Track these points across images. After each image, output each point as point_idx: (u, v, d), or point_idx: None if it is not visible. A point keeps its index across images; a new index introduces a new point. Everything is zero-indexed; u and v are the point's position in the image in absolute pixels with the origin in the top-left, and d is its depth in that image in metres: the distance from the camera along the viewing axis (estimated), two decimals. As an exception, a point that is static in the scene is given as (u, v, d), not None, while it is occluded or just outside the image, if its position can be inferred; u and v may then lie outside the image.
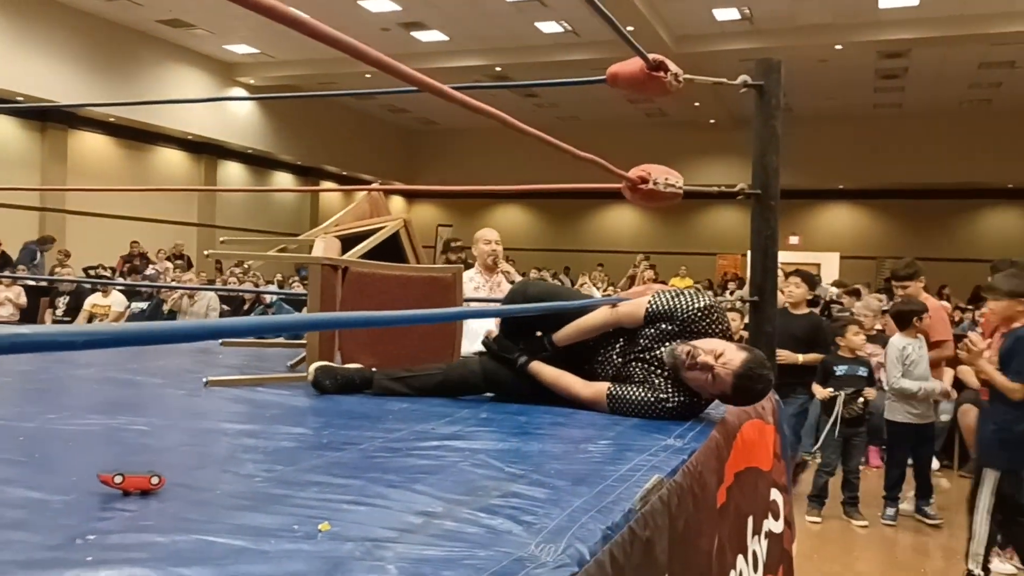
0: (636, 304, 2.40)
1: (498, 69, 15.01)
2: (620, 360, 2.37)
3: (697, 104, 17.27)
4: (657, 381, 2.28)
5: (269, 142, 18.02)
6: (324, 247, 2.86)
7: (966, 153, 17.45)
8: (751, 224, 3.12)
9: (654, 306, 2.37)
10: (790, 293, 5.75)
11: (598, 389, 2.33)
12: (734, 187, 3.11)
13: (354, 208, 3.28)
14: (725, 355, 2.18)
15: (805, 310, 5.87)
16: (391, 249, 2.92)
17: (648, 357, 2.33)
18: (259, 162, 18.90)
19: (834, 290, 10.30)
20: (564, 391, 2.37)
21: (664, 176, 2.80)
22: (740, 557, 2.20)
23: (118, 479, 1.32)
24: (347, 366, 2.51)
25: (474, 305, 3.94)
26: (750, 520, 2.35)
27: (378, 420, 2.10)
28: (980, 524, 3.99)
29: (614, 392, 2.30)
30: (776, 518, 2.76)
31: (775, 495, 2.76)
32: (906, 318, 5.34)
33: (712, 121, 18.53)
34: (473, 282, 4.64)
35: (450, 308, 2.31)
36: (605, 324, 2.41)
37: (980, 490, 4.03)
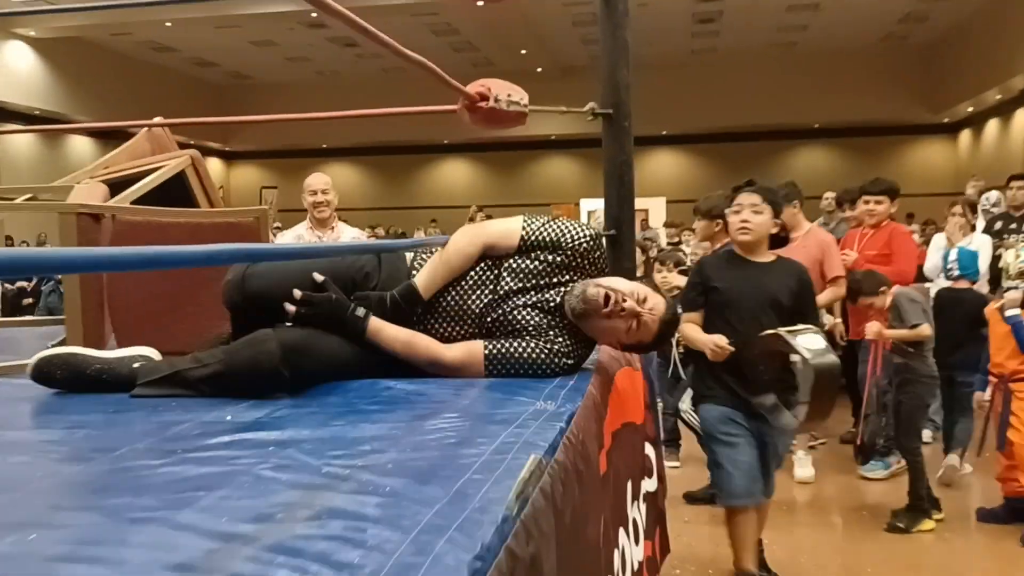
0: (506, 227, 1.94)
1: (315, 15, 14.03)
2: (486, 308, 1.87)
3: (524, 52, 16.97)
4: (552, 332, 1.85)
5: (60, 102, 16.11)
6: (85, 193, 2.25)
7: (777, 95, 18.17)
8: (603, 149, 2.76)
9: (532, 232, 1.91)
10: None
11: (469, 349, 1.83)
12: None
13: (129, 146, 2.66)
14: (649, 300, 1.85)
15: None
16: (176, 193, 2.34)
17: (535, 301, 1.87)
18: (47, 130, 16.92)
19: (663, 234, 10.36)
20: (419, 357, 1.82)
21: (506, 92, 2.38)
22: (621, 531, 1.87)
23: None
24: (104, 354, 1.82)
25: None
26: (629, 485, 2.02)
27: (155, 410, 1.58)
28: None
29: (494, 351, 1.82)
30: (651, 476, 2.46)
31: (648, 450, 2.46)
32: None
33: (539, 70, 18.31)
34: (302, 240, 4.02)
35: (251, 245, 1.75)
36: (478, 249, 1.89)
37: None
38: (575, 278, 1.92)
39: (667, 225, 11.53)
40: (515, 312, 1.87)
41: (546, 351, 1.83)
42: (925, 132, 19.12)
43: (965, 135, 18.50)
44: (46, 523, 0.93)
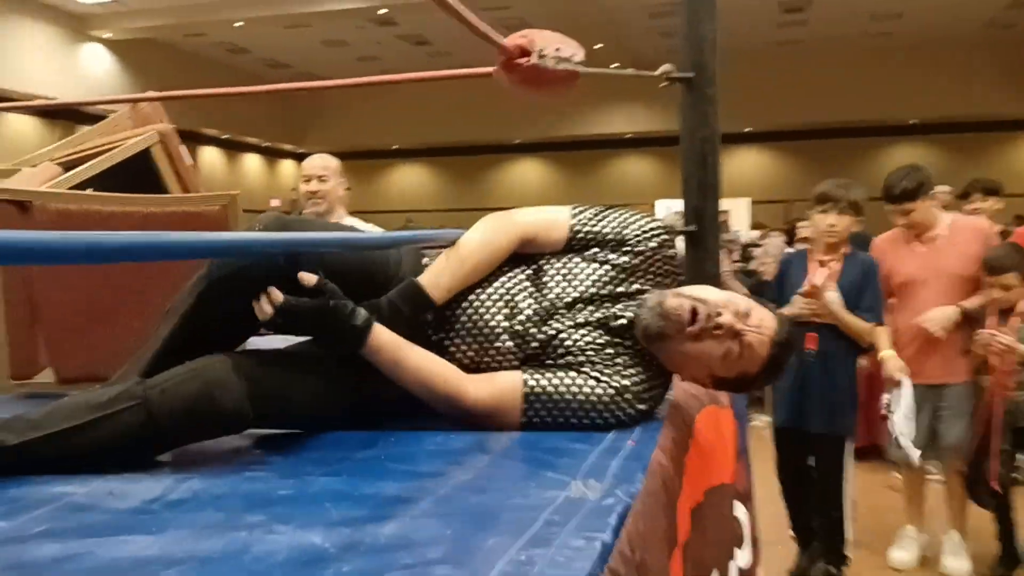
0: (550, 216, 1.46)
1: (382, 11, 13.74)
2: (527, 326, 1.35)
3: (598, 47, 16.39)
4: (619, 362, 1.33)
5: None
6: (27, 178, 1.81)
7: (870, 89, 17.14)
8: (681, 122, 2.20)
9: (585, 223, 1.45)
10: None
11: (502, 387, 1.30)
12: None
13: (107, 122, 2.23)
14: (754, 313, 1.31)
15: None
16: (140, 175, 1.88)
17: (596, 319, 1.36)
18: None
19: (755, 233, 9.67)
20: (432, 391, 1.28)
21: (554, 45, 1.84)
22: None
23: None
24: None
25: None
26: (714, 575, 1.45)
27: (24, 474, 1.10)
28: (850, 506, 3.07)
29: (537, 387, 1.30)
30: (741, 545, 1.88)
31: (739, 511, 1.89)
32: None
33: (615, 65, 17.70)
34: None
35: (215, 234, 1.23)
36: (511, 242, 1.41)
37: (845, 465, 3.03)
38: (645, 287, 1.41)
39: (755, 227, 10.78)
40: (568, 333, 1.33)
41: (611, 392, 1.30)
42: (1033, 127, 17.77)
43: (1079, 130, 17.12)
44: None
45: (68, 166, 1.94)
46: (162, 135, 1.88)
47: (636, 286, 1.40)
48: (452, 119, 18.08)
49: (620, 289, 1.39)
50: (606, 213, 1.47)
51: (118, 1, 13.85)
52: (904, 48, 16.84)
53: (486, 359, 1.34)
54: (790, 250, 7.19)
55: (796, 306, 2.98)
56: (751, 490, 2.07)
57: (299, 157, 22.66)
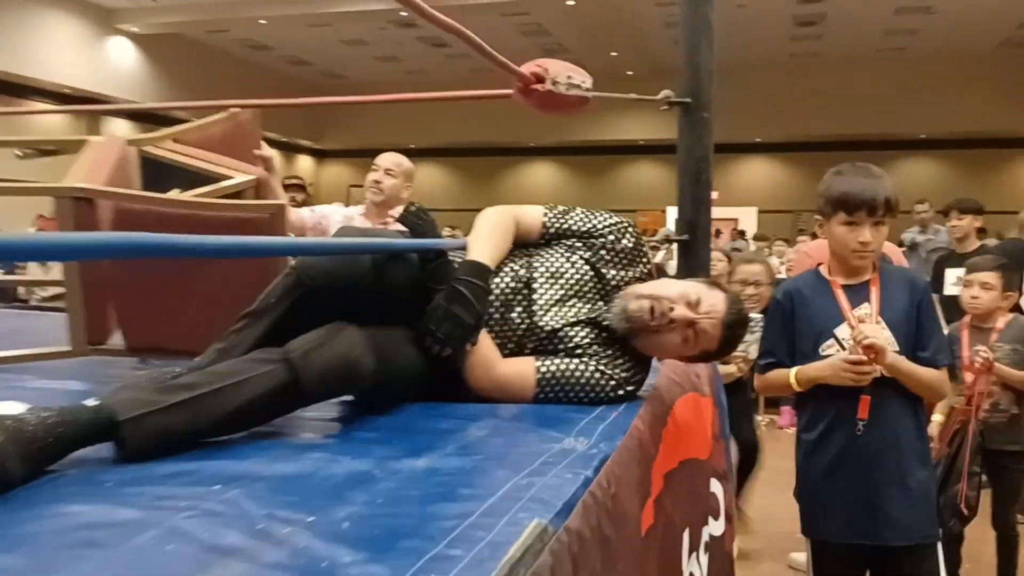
0: (529, 210, 1.75)
1: (403, 13, 14.00)
2: (528, 323, 1.61)
3: (614, 54, 16.62)
4: (610, 353, 1.61)
5: (159, 98, 16.57)
6: (91, 164, 2.04)
7: (881, 103, 17.29)
8: (679, 142, 2.45)
9: (556, 217, 1.73)
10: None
11: (521, 368, 1.56)
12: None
13: (207, 123, 2.44)
14: (704, 300, 1.56)
15: None
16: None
17: (584, 317, 1.62)
18: (150, 120, 17.44)
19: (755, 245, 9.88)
20: (479, 352, 1.53)
21: (566, 74, 2.10)
22: (675, 591, 1.56)
23: None
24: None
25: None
26: (686, 535, 1.70)
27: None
28: None
29: (547, 372, 1.56)
30: (716, 517, 2.13)
31: (715, 487, 2.14)
32: None
33: (630, 73, 17.91)
34: (354, 223, 3.24)
35: (265, 239, 1.47)
36: (513, 222, 1.70)
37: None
38: (621, 278, 1.69)
39: (756, 238, 10.98)
40: (565, 331, 1.61)
41: (607, 376, 1.58)
42: (1042, 146, 17.88)
43: (1088, 149, 17.22)
44: None
45: (150, 160, 2.20)
46: (260, 183, 2.12)
47: (614, 280, 1.66)
48: (469, 121, 18.35)
49: (600, 285, 1.65)
50: (572, 212, 1.74)
51: (145, -4, 14.17)
52: (916, 64, 16.98)
53: (498, 343, 1.59)
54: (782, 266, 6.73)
55: (837, 364, 1.95)
56: (729, 471, 2.32)
57: (316, 153, 22.96)
